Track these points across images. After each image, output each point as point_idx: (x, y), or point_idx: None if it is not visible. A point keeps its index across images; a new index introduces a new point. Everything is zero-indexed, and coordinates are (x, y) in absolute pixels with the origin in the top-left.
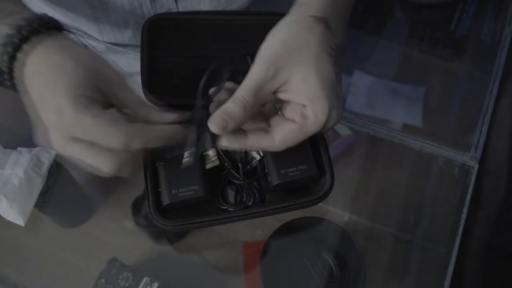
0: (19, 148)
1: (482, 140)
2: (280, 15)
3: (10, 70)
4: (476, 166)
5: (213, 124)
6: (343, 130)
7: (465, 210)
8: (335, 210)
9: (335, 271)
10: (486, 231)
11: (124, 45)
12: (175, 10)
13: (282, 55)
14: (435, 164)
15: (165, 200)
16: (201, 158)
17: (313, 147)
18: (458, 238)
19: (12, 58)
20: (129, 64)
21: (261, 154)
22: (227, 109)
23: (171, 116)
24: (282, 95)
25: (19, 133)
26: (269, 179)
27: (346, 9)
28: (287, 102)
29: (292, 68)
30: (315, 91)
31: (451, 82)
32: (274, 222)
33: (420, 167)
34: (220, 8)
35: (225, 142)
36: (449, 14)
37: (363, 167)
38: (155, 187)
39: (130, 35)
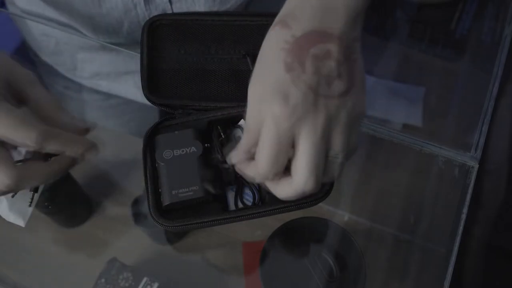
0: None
1: (482, 140)
2: None
3: None
4: (476, 166)
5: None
6: None
7: (465, 210)
8: (335, 210)
9: (335, 271)
10: (486, 231)
11: (119, 44)
12: (170, 12)
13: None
14: (435, 164)
15: (165, 201)
16: (201, 158)
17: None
18: (458, 238)
19: None
20: (124, 62)
21: None
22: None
23: (81, 124)
24: None
25: None
26: None
27: None
28: None
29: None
30: (257, 96)
31: (451, 82)
32: (274, 222)
33: (420, 167)
34: (215, 8)
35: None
36: (449, 14)
37: (363, 167)
38: (155, 187)
39: (124, 35)
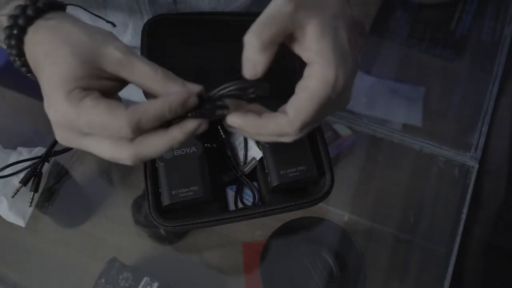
0: (19, 148)
1: (482, 140)
2: None
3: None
4: (476, 166)
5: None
6: (343, 130)
7: (465, 210)
8: (335, 210)
9: (335, 271)
10: (486, 231)
11: None
12: (174, 11)
13: None
14: (435, 164)
15: (165, 201)
16: (201, 158)
17: (313, 147)
18: (458, 238)
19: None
20: None
21: (262, 154)
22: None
23: (192, 87)
24: (294, 46)
25: (19, 133)
26: (269, 180)
27: None
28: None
29: (309, 16)
30: (324, 48)
31: (451, 82)
32: (274, 222)
33: (420, 167)
34: (219, 8)
35: (237, 119)
36: (449, 14)
37: (363, 167)
38: (155, 187)
39: (129, 37)
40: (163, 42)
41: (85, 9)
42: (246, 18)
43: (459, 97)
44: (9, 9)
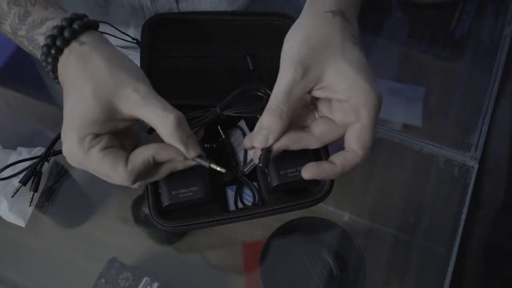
0: (19, 148)
1: (482, 140)
2: (280, 15)
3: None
4: (476, 166)
5: (255, 142)
6: None
7: (465, 210)
8: (335, 210)
9: (335, 271)
10: (486, 231)
11: (126, 47)
12: (176, 10)
13: (308, 53)
14: (435, 164)
15: (165, 201)
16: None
17: None
18: (458, 238)
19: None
20: None
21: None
22: (264, 123)
23: (193, 152)
24: (318, 93)
25: (19, 133)
26: (269, 180)
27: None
28: (326, 100)
29: (321, 64)
30: (353, 81)
31: (451, 82)
32: (274, 222)
33: (420, 167)
34: (221, 8)
35: (314, 175)
36: (449, 14)
37: (363, 167)
38: (155, 188)
39: (131, 37)
40: (163, 41)
41: (111, 25)
42: (246, 18)
43: (459, 97)
44: (45, 28)
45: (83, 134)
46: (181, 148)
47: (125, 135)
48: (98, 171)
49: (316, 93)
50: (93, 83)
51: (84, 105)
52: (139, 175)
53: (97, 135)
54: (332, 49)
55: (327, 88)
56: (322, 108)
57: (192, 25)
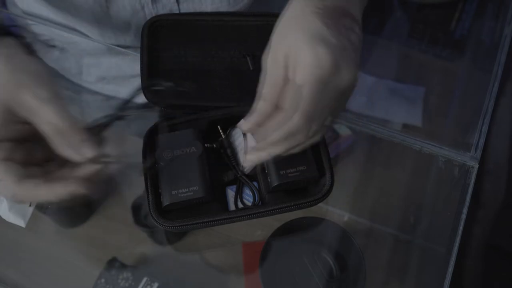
0: None
1: (482, 140)
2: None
3: None
4: (476, 166)
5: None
6: (343, 130)
7: (465, 210)
8: (335, 210)
9: (335, 271)
10: (486, 231)
11: (126, 47)
12: (177, 12)
13: (279, 40)
14: (435, 164)
15: (165, 201)
16: (201, 158)
17: (313, 147)
18: (458, 238)
19: None
20: (130, 66)
21: None
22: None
23: (86, 152)
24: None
25: None
26: (269, 180)
27: None
28: None
29: (286, 43)
30: (297, 41)
31: (451, 82)
32: (274, 222)
33: (420, 167)
34: (222, 9)
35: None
36: (449, 14)
37: (363, 167)
38: (155, 188)
39: (132, 37)
40: (163, 42)
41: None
42: (246, 19)
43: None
44: None
45: None
46: (72, 153)
47: (35, 145)
48: None
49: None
50: None
51: None
52: (27, 198)
53: None
54: (285, 21)
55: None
56: None
57: (192, 26)
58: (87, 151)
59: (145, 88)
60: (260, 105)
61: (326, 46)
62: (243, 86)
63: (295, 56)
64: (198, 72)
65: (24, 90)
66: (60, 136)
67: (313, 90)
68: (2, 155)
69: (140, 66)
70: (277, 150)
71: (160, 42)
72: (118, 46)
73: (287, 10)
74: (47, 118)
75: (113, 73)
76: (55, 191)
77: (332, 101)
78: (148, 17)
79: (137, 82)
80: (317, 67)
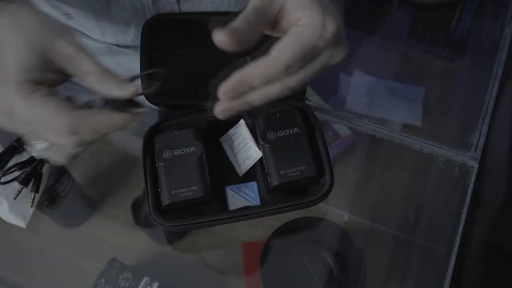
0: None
1: (482, 140)
2: None
3: None
4: (476, 166)
5: (219, 37)
6: (343, 130)
7: (465, 210)
8: (335, 210)
9: (335, 271)
10: (486, 231)
11: (126, 46)
12: (178, 11)
13: None
14: (435, 164)
15: (165, 201)
16: (201, 158)
17: (313, 147)
18: (458, 238)
19: None
20: (131, 65)
21: (261, 154)
22: (233, 25)
23: (129, 88)
24: (281, 25)
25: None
26: (269, 180)
27: None
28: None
29: None
30: (306, 4)
31: (451, 82)
32: (274, 222)
33: (420, 167)
34: (223, 9)
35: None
36: (449, 14)
37: (363, 167)
38: (155, 187)
39: (132, 37)
40: (163, 42)
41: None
42: None
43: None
44: None
45: (20, 80)
46: (118, 90)
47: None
48: (36, 119)
49: (280, 26)
50: (25, 34)
51: (20, 54)
52: (80, 131)
53: (35, 83)
54: None
55: (286, 14)
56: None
57: (192, 25)
58: (130, 87)
59: (145, 88)
60: (242, 25)
61: (332, 16)
62: None
63: (299, 14)
64: (197, 72)
65: (59, 39)
66: (101, 80)
67: (300, 49)
68: (46, 91)
69: (140, 65)
70: (253, 98)
71: (160, 41)
72: (118, 45)
73: None
74: (85, 66)
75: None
76: (114, 119)
77: (318, 66)
78: (149, 17)
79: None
80: (318, 33)
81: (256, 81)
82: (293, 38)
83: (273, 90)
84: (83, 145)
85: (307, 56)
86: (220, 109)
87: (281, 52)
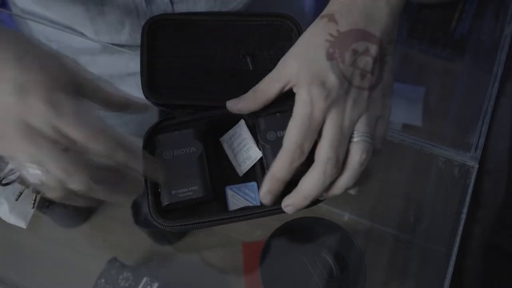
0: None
1: (482, 140)
2: (280, 16)
3: None
4: (476, 166)
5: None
6: None
7: (465, 210)
8: (335, 210)
9: (335, 271)
10: (486, 231)
11: (121, 46)
12: (171, 12)
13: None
14: (435, 164)
15: (165, 201)
16: (201, 158)
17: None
18: (458, 238)
19: None
20: (126, 64)
21: (261, 154)
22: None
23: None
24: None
25: None
26: None
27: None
28: None
29: (290, 71)
30: (299, 74)
31: (451, 82)
32: (274, 222)
33: (420, 167)
34: (215, 9)
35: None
36: (449, 14)
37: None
38: (155, 187)
39: (126, 36)
40: (163, 42)
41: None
42: (246, 18)
43: (459, 97)
44: None
45: (56, 86)
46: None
47: None
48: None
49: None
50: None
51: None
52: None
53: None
54: (302, 46)
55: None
56: None
57: (192, 26)
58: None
59: (145, 88)
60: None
61: (321, 86)
62: (242, 86)
63: (294, 87)
64: (198, 72)
65: (75, 73)
66: (123, 106)
67: (300, 126)
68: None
69: (140, 66)
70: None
71: (160, 42)
72: (113, 44)
73: (306, 33)
74: (106, 96)
75: (109, 71)
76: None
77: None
78: (142, 17)
79: (133, 80)
80: (308, 105)
81: (281, 173)
82: (292, 118)
83: (336, 192)
84: None
85: (310, 126)
86: (289, 211)
87: (286, 137)
